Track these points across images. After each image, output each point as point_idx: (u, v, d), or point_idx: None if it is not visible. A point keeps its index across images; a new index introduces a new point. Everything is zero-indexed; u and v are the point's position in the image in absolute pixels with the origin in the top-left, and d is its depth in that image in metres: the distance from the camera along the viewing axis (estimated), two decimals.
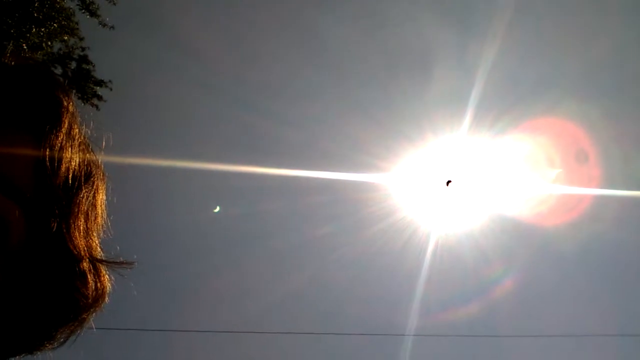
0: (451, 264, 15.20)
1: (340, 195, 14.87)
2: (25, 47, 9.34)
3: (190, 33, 13.21)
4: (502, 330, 16.14)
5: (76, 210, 0.52)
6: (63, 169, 0.51)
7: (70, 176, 0.52)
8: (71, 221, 0.52)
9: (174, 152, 14.54)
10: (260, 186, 14.47)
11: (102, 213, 0.58)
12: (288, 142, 15.17)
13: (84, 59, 9.91)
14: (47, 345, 0.54)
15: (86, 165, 0.55)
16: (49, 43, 9.55)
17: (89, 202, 0.55)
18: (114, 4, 9.96)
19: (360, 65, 14.76)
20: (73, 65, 9.93)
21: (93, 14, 9.78)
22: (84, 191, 0.54)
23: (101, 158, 0.59)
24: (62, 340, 0.55)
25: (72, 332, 0.55)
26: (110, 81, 10.27)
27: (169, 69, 13.17)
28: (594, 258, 16.35)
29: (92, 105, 10.28)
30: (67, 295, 0.52)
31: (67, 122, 0.53)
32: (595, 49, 13.75)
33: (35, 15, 9.20)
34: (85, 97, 10.10)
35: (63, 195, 0.51)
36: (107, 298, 0.57)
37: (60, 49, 9.84)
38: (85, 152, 0.56)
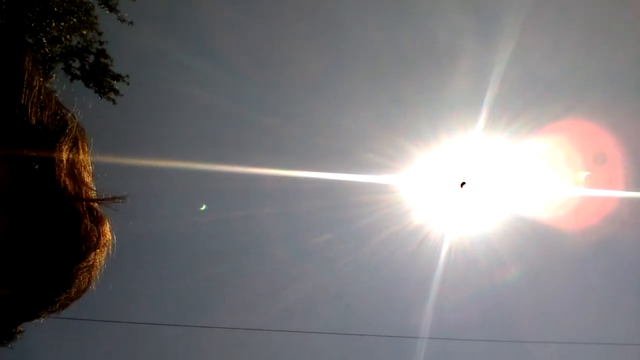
0: (465, 266, 15.03)
1: (352, 197, 14.82)
2: (44, 41, 9.50)
3: (207, 30, 13.32)
4: (517, 335, 15.89)
5: (59, 154, 0.51)
6: (32, 114, 0.49)
7: (44, 122, 0.50)
8: (56, 164, 0.50)
9: (185, 152, 14.62)
10: (271, 188, 14.48)
11: (88, 162, 0.56)
12: (298, 142, 15.18)
13: (102, 53, 10.03)
14: (63, 295, 0.52)
15: (60, 116, 0.53)
16: (68, 37, 9.69)
17: (71, 148, 0.53)
18: (133, 0, 10.11)
19: (373, 63, 14.76)
20: (91, 59, 10.05)
21: (112, 9, 9.91)
22: (63, 138, 0.52)
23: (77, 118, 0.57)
24: (76, 290, 0.53)
25: (84, 278, 0.53)
26: (127, 76, 10.38)
27: (184, 66, 13.28)
28: (615, 262, 16.05)
29: (109, 99, 10.39)
30: (66, 237, 0.50)
31: (28, 73, 0.50)
32: (615, 47, 13.60)
33: (55, 9, 9.35)
34: (102, 90, 10.21)
35: (41, 139, 0.49)
36: (110, 240, 0.56)
37: (78, 43, 9.97)
38: (56, 105, 0.53)
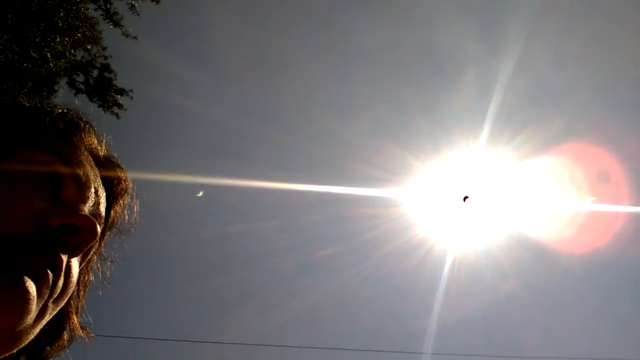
0: (469, 280, 14.94)
1: (355, 211, 14.77)
2: (49, 56, 9.53)
3: (212, 45, 13.35)
4: (520, 350, 15.75)
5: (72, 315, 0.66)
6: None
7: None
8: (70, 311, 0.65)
9: (191, 166, 14.60)
10: (277, 201, 14.45)
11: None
12: (301, 156, 15.16)
13: (106, 68, 10.06)
14: None
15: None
16: (73, 51, 9.72)
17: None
18: (138, 15, 10.13)
19: (376, 77, 14.76)
20: (95, 73, 10.07)
21: (116, 24, 9.94)
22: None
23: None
24: None
25: None
26: (131, 90, 10.40)
27: (189, 80, 13.30)
28: (618, 275, 15.94)
29: (113, 113, 10.40)
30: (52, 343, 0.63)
31: None
32: (617, 62, 13.58)
33: (60, 24, 9.38)
34: (106, 105, 10.23)
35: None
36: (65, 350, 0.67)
37: (83, 57, 10.01)
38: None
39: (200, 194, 13.69)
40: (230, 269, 15.60)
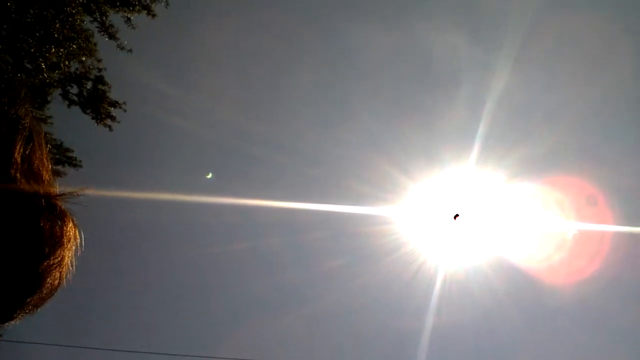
0: (460, 298, 14.91)
1: (347, 229, 14.75)
2: (43, 66, 9.50)
3: (206, 60, 13.42)
4: None
5: (12, 152, 0.49)
6: None
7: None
8: (11, 162, 0.49)
9: (183, 184, 14.55)
10: (269, 220, 14.39)
11: (45, 156, 0.54)
12: (296, 175, 15.17)
13: (100, 80, 10.03)
14: (35, 295, 0.51)
15: (13, 110, 0.51)
16: (67, 63, 9.69)
17: (25, 144, 0.51)
18: (133, 28, 10.17)
19: (367, 97, 14.91)
20: (89, 85, 10.04)
21: (112, 36, 9.96)
22: (17, 134, 0.50)
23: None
24: (47, 288, 0.52)
25: (54, 275, 0.52)
26: (124, 103, 10.37)
27: (182, 94, 13.32)
28: (605, 292, 16.00)
29: (106, 125, 10.36)
30: (28, 235, 0.49)
31: None
32: (606, 81, 13.85)
33: (56, 35, 9.38)
34: (99, 117, 10.18)
35: None
36: (76, 235, 0.54)
37: (77, 69, 9.98)
38: (8, 99, 0.51)
39: (210, 175, 13.49)
40: (216, 287, 15.46)
